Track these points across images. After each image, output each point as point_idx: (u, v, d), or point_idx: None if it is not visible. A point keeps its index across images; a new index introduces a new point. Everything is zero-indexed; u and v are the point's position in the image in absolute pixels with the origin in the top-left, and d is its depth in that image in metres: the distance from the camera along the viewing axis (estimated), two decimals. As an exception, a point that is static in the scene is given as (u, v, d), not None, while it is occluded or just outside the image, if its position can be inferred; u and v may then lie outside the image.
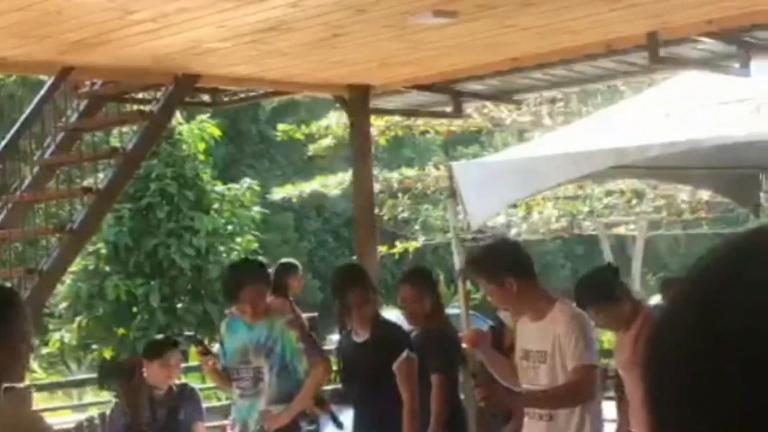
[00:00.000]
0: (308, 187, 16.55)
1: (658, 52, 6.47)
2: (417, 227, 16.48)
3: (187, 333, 5.65)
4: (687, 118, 7.23)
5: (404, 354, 5.00)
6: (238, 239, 17.05)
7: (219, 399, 11.87)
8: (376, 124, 12.84)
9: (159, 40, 6.13)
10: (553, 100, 14.26)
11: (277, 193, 17.27)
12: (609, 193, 15.49)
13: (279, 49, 6.50)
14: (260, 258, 16.95)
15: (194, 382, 6.77)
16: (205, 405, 6.67)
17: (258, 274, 5.64)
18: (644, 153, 7.00)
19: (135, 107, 8.15)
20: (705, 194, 13.90)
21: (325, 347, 7.15)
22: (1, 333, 2.27)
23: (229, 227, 17.05)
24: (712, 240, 25.94)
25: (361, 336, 5.23)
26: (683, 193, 14.69)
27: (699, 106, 7.34)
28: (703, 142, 6.76)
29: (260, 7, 5.50)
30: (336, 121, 14.22)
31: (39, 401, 12.90)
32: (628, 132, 7.41)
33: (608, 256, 16.80)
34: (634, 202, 15.60)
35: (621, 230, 17.36)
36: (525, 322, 4.44)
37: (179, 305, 16.37)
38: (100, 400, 9.87)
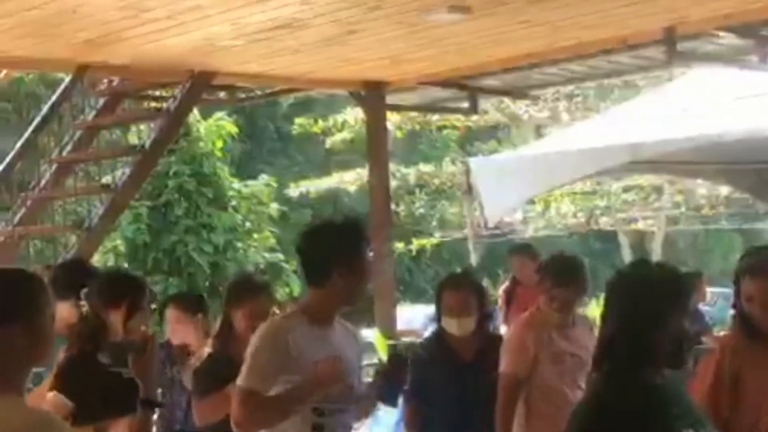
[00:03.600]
0: (325, 183, 16.56)
1: (675, 47, 6.44)
2: (433, 223, 16.47)
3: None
4: (705, 113, 7.19)
5: None
6: (256, 236, 17.07)
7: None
8: (393, 118, 12.84)
9: (173, 38, 6.15)
10: (570, 96, 14.23)
11: (294, 189, 17.30)
12: (627, 189, 15.44)
13: (292, 47, 6.50)
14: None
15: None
16: None
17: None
18: (662, 148, 6.97)
19: (152, 104, 8.19)
20: (724, 189, 13.84)
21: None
22: (31, 318, 2.37)
23: (247, 224, 17.07)
24: (730, 235, 25.82)
25: None
26: (702, 189, 14.62)
27: (717, 101, 7.30)
28: (721, 137, 6.73)
29: (272, 4, 5.51)
30: (353, 115, 14.23)
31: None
32: (645, 127, 7.38)
33: (626, 252, 16.75)
34: (652, 197, 15.54)
35: (639, 226, 17.29)
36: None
37: (197, 302, 16.40)
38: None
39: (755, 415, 3.48)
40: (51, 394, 3.77)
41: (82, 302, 3.97)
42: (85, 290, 4.02)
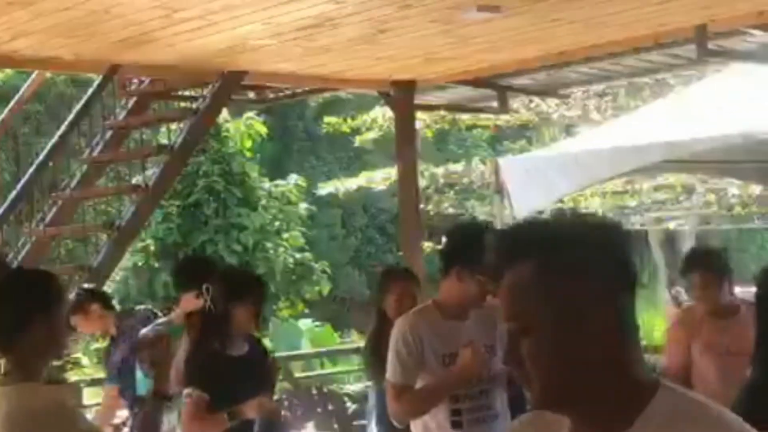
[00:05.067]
0: (354, 182, 16.56)
1: (706, 45, 6.39)
2: (463, 223, 16.41)
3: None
4: (737, 111, 7.12)
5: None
6: (285, 235, 17.11)
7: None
8: (422, 118, 12.80)
9: (205, 38, 6.17)
10: (601, 95, 14.15)
11: (324, 188, 17.32)
12: (658, 188, 15.32)
13: (324, 46, 6.51)
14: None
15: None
16: None
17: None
18: (694, 147, 6.91)
19: (182, 104, 8.22)
20: (756, 188, 13.71)
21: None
22: (47, 315, 2.62)
23: (276, 224, 17.12)
24: (763, 235, 25.60)
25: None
26: (734, 188, 14.49)
27: (749, 99, 7.23)
28: (754, 136, 6.66)
29: (304, 3, 5.51)
30: (382, 114, 14.21)
31: (90, 396, 13.05)
32: (677, 126, 7.32)
33: (657, 252, 16.65)
34: (683, 196, 15.42)
35: (670, 225, 17.18)
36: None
37: (227, 301, 16.47)
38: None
39: None
40: (188, 390, 4.10)
41: (205, 296, 4.15)
42: (206, 285, 4.22)
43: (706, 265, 4.72)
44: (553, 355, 1.48)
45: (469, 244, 3.75)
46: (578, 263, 1.49)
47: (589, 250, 1.49)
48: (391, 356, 3.85)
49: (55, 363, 5.84)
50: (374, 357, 4.90)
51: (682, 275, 4.84)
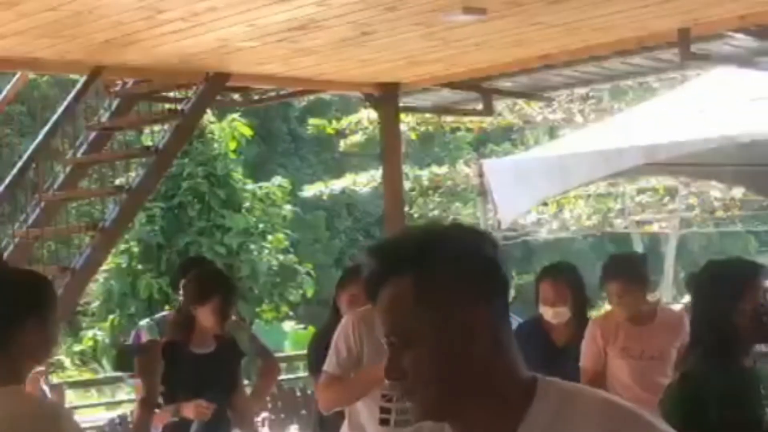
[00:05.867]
0: (339, 184, 16.56)
1: (689, 49, 6.42)
2: (447, 225, 16.44)
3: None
4: (720, 114, 7.17)
5: None
6: (269, 237, 17.09)
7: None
8: (407, 120, 12.82)
9: (189, 39, 6.16)
10: (584, 98, 14.21)
11: (308, 191, 17.30)
12: (641, 191, 15.40)
13: (308, 48, 6.51)
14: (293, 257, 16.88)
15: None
16: None
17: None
18: (677, 150, 6.95)
19: (166, 106, 8.20)
20: (738, 191, 13.80)
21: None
22: (40, 317, 2.55)
23: (261, 226, 17.09)
24: (745, 237, 25.73)
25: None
26: (716, 191, 14.57)
27: (732, 103, 7.28)
28: (736, 139, 6.70)
29: (289, 5, 5.52)
30: (367, 116, 14.22)
31: (72, 398, 13.01)
32: (660, 129, 7.36)
33: (640, 254, 16.68)
34: (666, 199, 15.50)
35: (653, 228, 17.26)
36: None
37: (211, 303, 16.42)
38: (133, 398, 9.93)
39: None
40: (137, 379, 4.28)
41: (180, 295, 4.44)
42: (183, 283, 4.50)
43: (623, 273, 4.73)
44: (437, 365, 1.51)
45: None
46: (453, 273, 1.52)
47: (463, 260, 1.53)
48: (331, 349, 3.97)
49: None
50: (318, 351, 4.95)
51: (600, 284, 4.86)
